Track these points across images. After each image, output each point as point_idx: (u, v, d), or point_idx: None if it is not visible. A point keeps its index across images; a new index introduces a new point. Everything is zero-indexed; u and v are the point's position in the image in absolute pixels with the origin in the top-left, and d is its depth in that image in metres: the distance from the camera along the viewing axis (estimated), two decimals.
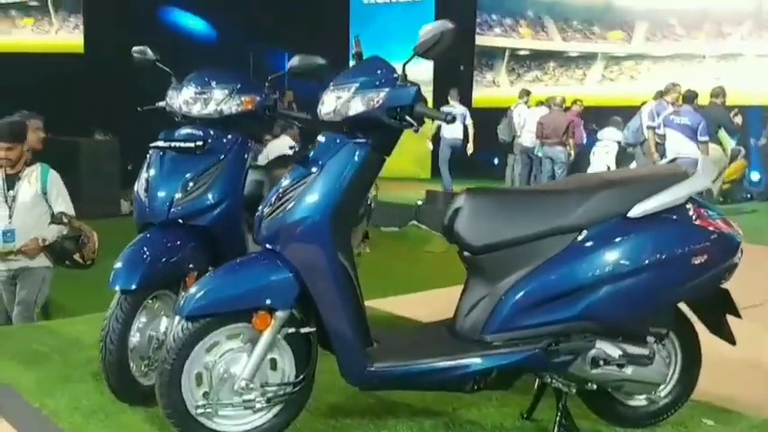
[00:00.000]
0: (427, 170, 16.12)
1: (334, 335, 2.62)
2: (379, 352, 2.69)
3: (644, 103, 11.10)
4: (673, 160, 2.89)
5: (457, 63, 16.15)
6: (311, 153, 2.70)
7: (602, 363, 2.71)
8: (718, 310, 2.98)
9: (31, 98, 10.58)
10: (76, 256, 4.61)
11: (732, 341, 3.00)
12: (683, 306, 2.97)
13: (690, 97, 9.31)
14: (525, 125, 12.19)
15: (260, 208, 2.75)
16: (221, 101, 3.29)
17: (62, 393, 3.19)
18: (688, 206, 2.78)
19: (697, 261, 2.70)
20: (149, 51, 3.57)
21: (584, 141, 12.32)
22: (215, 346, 2.68)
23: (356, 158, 2.62)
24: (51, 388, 3.26)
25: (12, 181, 4.61)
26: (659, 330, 2.80)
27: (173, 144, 3.23)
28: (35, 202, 4.63)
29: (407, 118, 2.58)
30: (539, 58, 16.35)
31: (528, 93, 12.89)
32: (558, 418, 2.80)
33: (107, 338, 2.98)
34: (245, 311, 2.61)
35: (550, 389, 2.85)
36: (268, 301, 2.61)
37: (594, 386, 2.80)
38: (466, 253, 2.79)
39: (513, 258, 2.72)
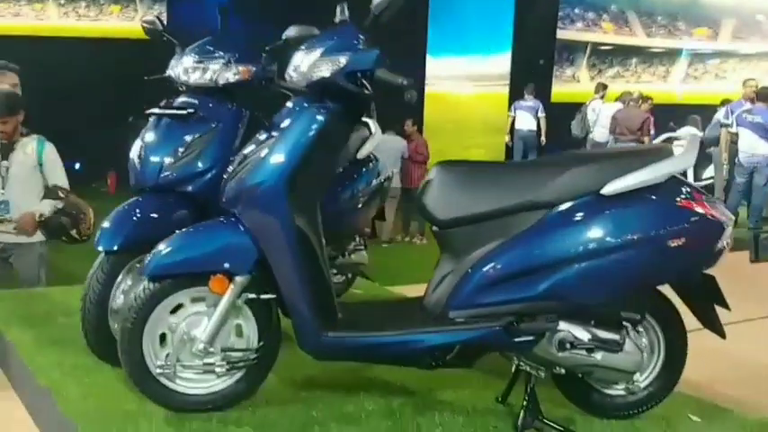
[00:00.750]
0: None
1: (289, 302, 2.61)
2: (337, 322, 2.66)
3: (724, 102, 10.66)
4: (667, 139, 2.74)
5: (536, 57, 15.86)
6: (276, 117, 2.70)
7: (568, 346, 2.61)
8: (706, 300, 2.82)
9: (117, 80, 11.01)
10: (73, 232, 4.54)
11: (722, 334, 2.84)
12: (672, 295, 2.83)
13: (764, 95, 8.86)
14: (598, 120, 11.88)
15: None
16: (218, 70, 3.32)
17: (51, 352, 3.29)
18: (669, 186, 2.64)
19: (674, 244, 2.57)
20: (158, 22, 3.65)
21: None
22: (180, 308, 2.70)
23: (316, 124, 2.60)
24: (44, 347, 3.36)
25: (5, 151, 4.51)
26: (632, 316, 2.66)
27: (166, 111, 3.28)
28: (29, 174, 4.57)
29: (368, 83, 2.53)
30: (621, 54, 15.90)
31: (604, 87, 12.56)
32: (524, 403, 2.71)
33: (86, 299, 3.05)
34: (206, 274, 2.63)
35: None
36: (226, 265, 2.61)
37: (563, 371, 2.70)
38: (435, 228, 2.73)
39: (479, 234, 2.65)
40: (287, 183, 2.56)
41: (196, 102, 3.30)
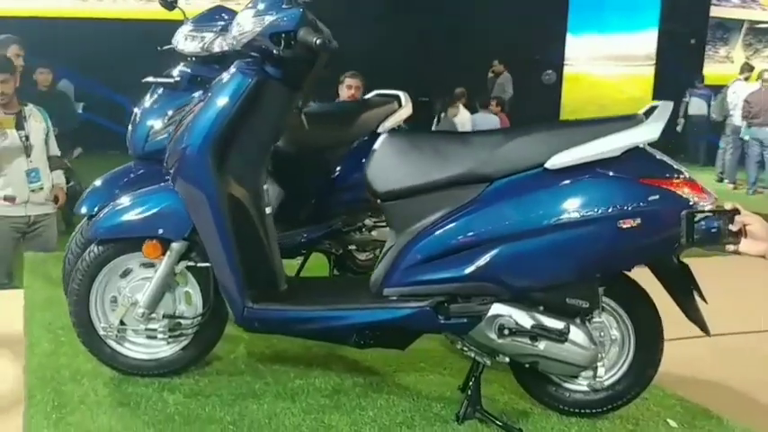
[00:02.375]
0: None
1: (216, 270, 2.56)
2: (265, 294, 2.58)
3: None
4: (651, 109, 2.42)
5: (686, 36, 14.86)
6: (214, 81, 2.65)
7: (507, 332, 2.39)
8: (684, 291, 2.49)
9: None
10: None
11: (705, 329, 2.50)
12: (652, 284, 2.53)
13: None
14: (739, 103, 10.96)
15: None
16: (211, 39, 3.31)
17: (49, 312, 3.41)
18: (629, 160, 2.34)
19: (625, 225, 2.28)
20: None
21: None
22: (129, 273, 2.72)
23: (243, 86, 2.52)
24: (47, 307, 3.50)
25: (18, 121, 4.49)
26: (579, 304, 2.40)
27: (157, 80, 3.32)
28: (43, 143, 4.63)
29: (291, 44, 2.42)
30: None
31: (750, 68, 11.57)
32: (467, 391, 2.52)
33: (66, 261, 3.15)
34: (143, 239, 2.62)
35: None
36: (160, 231, 2.60)
37: (507, 359, 2.48)
38: (378, 200, 2.58)
39: (418, 207, 2.47)
40: (210, 147, 2.50)
41: (188, 70, 3.31)
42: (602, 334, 2.51)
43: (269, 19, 2.45)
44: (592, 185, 2.32)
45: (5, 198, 4.44)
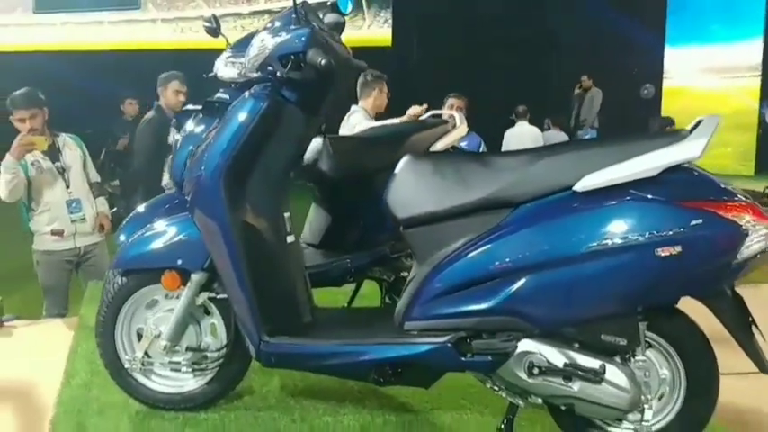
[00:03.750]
0: (750, 166, 14.24)
1: (232, 302, 2.46)
2: (291, 327, 2.46)
3: None
4: (699, 122, 2.17)
5: None
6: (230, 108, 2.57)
7: (537, 371, 2.19)
8: (738, 324, 2.22)
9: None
10: None
11: (762, 366, 2.22)
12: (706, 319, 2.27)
13: None
14: None
15: None
16: (246, 66, 3.25)
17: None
18: (668, 180, 2.11)
19: (664, 253, 2.05)
20: (214, 21, 3.66)
21: None
22: (155, 304, 2.67)
23: (255, 110, 2.44)
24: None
25: (52, 153, 4.39)
26: (616, 341, 2.17)
27: (198, 107, 3.27)
28: (81, 172, 4.58)
29: (301, 65, 2.31)
30: None
31: None
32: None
33: (104, 291, 3.11)
34: (163, 270, 2.56)
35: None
36: (179, 262, 2.53)
37: (539, 400, 2.27)
38: (400, 228, 2.43)
39: (441, 234, 2.31)
40: (223, 174, 2.41)
41: (227, 97, 3.26)
42: (647, 374, 2.26)
43: (278, 40, 2.35)
44: (626, 209, 2.10)
45: (53, 232, 4.47)
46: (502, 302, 2.16)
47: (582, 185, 2.13)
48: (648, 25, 14.40)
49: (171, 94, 5.22)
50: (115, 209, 5.26)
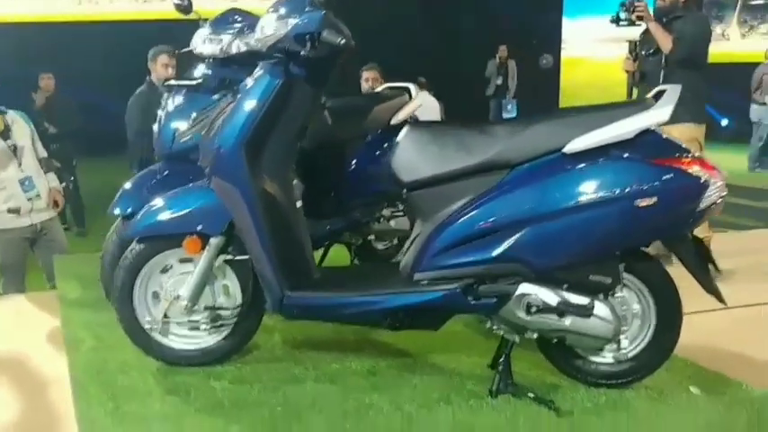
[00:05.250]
0: None
1: (255, 262, 2.70)
2: (302, 282, 2.71)
3: None
4: (658, 93, 2.55)
5: None
6: (242, 83, 2.77)
7: (535, 309, 2.53)
8: (698, 263, 2.63)
9: None
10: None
11: (721, 299, 2.63)
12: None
13: None
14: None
15: None
16: (228, 41, 3.43)
17: (87, 311, 3.57)
18: (641, 142, 2.48)
19: (642, 203, 2.42)
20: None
21: None
22: (169, 269, 2.86)
23: (271, 86, 2.65)
24: (83, 305, 3.66)
25: (3, 132, 4.50)
26: (602, 280, 2.53)
27: (181, 82, 3.44)
28: (32, 149, 4.66)
29: (315, 45, 2.55)
30: None
31: None
32: (498, 367, 2.66)
33: (103, 261, 3.28)
34: (183, 236, 2.76)
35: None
36: (199, 227, 2.74)
37: (535, 335, 2.62)
38: (403, 190, 2.71)
39: (444, 195, 2.61)
40: (243, 146, 2.63)
41: (209, 72, 3.44)
42: (624, 308, 2.64)
43: (293, 21, 2.57)
44: (609, 167, 2.46)
45: (10, 210, 4.51)
46: (504, 252, 2.49)
47: (570, 148, 2.47)
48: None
49: (160, 67, 5.28)
50: (64, 183, 5.30)
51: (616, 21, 5.25)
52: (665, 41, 4.64)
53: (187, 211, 2.76)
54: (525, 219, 2.47)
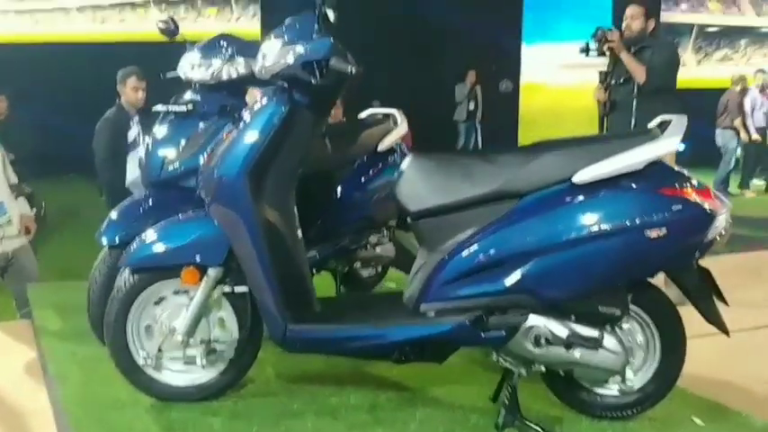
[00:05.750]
0: None
1: (256, 294, 2.63)
2: (305, 315, 2.65)
3: None
4: (662, 123, 2.57)
5: None
6: (245, 110, 2.72)
7: (544, 342, 2.50)
8: (704, 294, 2.63)
9: None
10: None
11: (724, 330, 2.64)
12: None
13: None
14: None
15: None
16: (219, 67, 3.37)
17: (70, 342, 3.44)
18: (650, 172, 2.48)
19: (652, 234, 2.41)
20: (172, 22, 3.74)
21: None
22: (163, 301, 2.77)
23: (275, 116, 2.60)
24: (66, 336, 3.54)
25: None
26: (611, 311, 2.52)
27: (169, 108, 3.37)
28: (2, 173, 4.50)
29: (323, 72, 2.50)
30: (729, 36, 15.04)
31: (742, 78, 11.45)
32: (504, 401, 2.62)
33: (90, 291, 3.17)
34: (180, 267, 2.67)
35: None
36: (197, 258, 2.66)
37: (542, 368, 2.59)
38: (408, 219, 2.67)
39: (450, 225, 2.58)
40: (247, 175, 2.57)
41: (198, 98, 3.37)
42: (629, 339, 2.63)
43: (300, 49, 2.53)
44: (619, 198, 2.45)
45: None
46: (514, 283, 2.46)
47: (580, 177, 2.46)
48: (506, 24, 15.19)
49: (130, 90, 5.15)
50: (35, 209, 5.15)
51: (585, 51, 5.32)
52: (639, 72, 4.70)
53: (185, 241, 2.68)
54: (535, 249, 2.45)
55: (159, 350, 2.75)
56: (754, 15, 14.82)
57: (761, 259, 5.86)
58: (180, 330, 2.70)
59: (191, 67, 3.44)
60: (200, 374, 2.81)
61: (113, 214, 3.27)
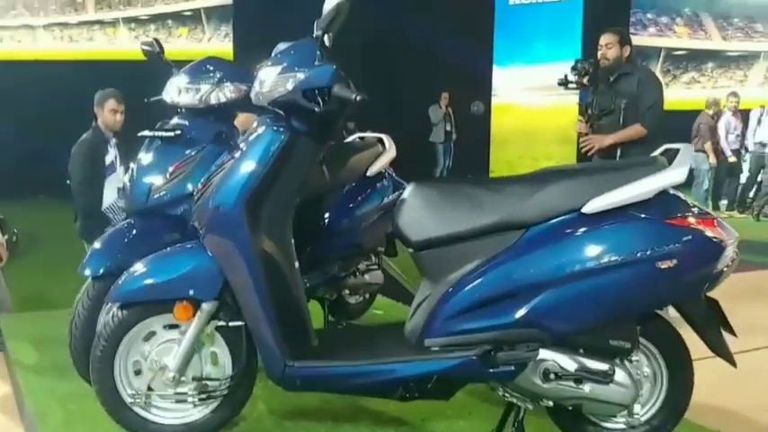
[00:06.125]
0: None
1: (253, 329, 2.52)
2: (305, 351, 2.54)
3: None
4: (665, 151, 2.53)
5: None
6: (241, 138, 2.62)
7: (553, 377, 2.42)
8: (711, 325, 2.58)
9: None
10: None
11: (731, 361, 2.59)
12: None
13: None
14: None
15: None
16: (208, 91, 3.27)
17: (48, 376, 3.31)
18: (660, 202, 2.42)
19: (664, 266, 2.35)
20: (156, 44, 3.64)
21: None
22: (152, 336, 2.64)
23: (275, 144, 2.50)
24: (43, 370, 3.39)
25: None
26: (622, 345, 2.45)
27: (156, 133, 3.25)
28: None
29: (324, 100, 2.42)
30: (696, 59, 15.27)
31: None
32: None
33: (73, 324, 3.03)
34: (172, 301, 2.56)
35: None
36: (191, 292, 2.54)
37: (551, 403, 2.51)
38: (409, 250, 2.58)
39: (455, 256, 2.49)
40: (244, 205, 2.47)
41: (186, 123, 3.27)
42: (637, 372, 2.56)
43: (301, 76, 2.44)
44: (629, 229, 2.39)
45: None
46: (523, 316, 2.38)
47: (589, 208, 2.39)
48: (477, 46, 15.25)
49: (108, 113, 4.99)
50: (6, 236, 4.98)
51: (564, 83, 5.31)
52: (637, 133, 4.67)
53: (177, 274, 2.56)
54: (545, 281, 2.37)
55: (149, 388, 2.62)
56: (721, 39, 15.07)
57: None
58: (171, 368, 2.57)
59: (178, 91, 3.33)
60: (191, 413, 2.68)
61: (96, 244, 3.14)
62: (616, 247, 2.36)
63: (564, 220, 2.42)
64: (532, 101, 15.54)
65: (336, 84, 2.41)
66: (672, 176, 2.43)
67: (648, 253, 2.35)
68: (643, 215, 2.41)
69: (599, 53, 4.91)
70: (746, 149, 11.41)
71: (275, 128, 2.52)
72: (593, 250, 2.37)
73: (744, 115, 11.15)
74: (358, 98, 2.38)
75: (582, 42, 14.92)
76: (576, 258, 2.37)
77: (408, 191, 2.57)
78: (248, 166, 2.50)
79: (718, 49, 15.11)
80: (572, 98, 15.03)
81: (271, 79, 2.50)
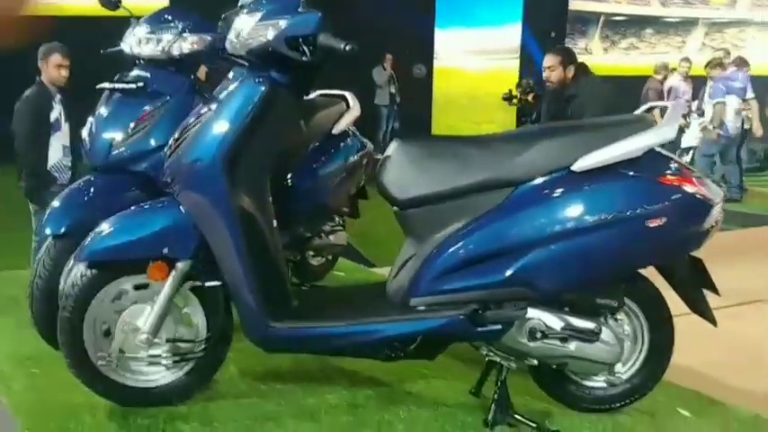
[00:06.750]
0: None
1: (233, 289, 2.42)
2: (287, 311, 2.46)
3: None
4: (649, 109, 2.52)
5: (547, 29, 15.46)
6: (217, 89, 2.49)
7: (539, 335, 2.40)
8: (694, 284, 2.59)
9: None
10: None
11: (712, 321, 2.61)
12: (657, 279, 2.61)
13: None
14: None
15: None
16: (170, 41, 3.10)
17: (8, 340, 3.16)
18: (649, 161, 2.40)
19: (652, 224, 2.34)
20: None
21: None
22: (122, 296, 2.52)
23: (255, 96, 2.38)
24: (2, 334, 3.20)
25: None
26: (609, 303, 2.44)
27: (117, 85, 3.08)
28: None
29: (310, 49, 2.31)
30: (635, 25, 15.39)
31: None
32: (494, 396, 2.50)
33: (34, 285, 2.87)
34: (145, 260, 2.44)
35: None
36: (165, 251, 2.42)
37: (535, 362, 2.49)
38: (395, 208, 2.51)
39: (442, 214, 2.43)
40: (224, 160, 2.35)
41: (148, 75, 3.10)
42: (618, 330, 2.56)
43: (284, 24, 2.32)
44: (619, 187, 2.37)
45: None
46: (512, 275, 2.34)
47: (579, 166, 2.36)
48: (419, 9, 15.13)
49: (52, 68, 4.71)
50: None
51: (509, 99, 5.44)
52: None
53: (150, 232, 2.43)
54: (534, 240, 2.34)
55: (120, 351, 2.50)
56: (660, 6, 15.25)
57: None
58: (144, 329, 2.46)
59: (138, 41, 3.15)
60: (164, 375, 2.58)
61: (55, 203, 2.97)
62: (605, 205, 2.33)
63: (553, 178, 2.38)
64: (474, 65, 15.58)
65: (322, 32, 2.30)
66: (662, 134, 2.41)
67: (638, 211, 2.33)
68: (632, 173, 2.38)
69: (543, 74, 4.87)
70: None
71: (255, 79, 2.40)
72: (582, 208, 2.34)
73: (695, 82, 11.27)
74: (347, 47, 2.27)
75: (523, 7, 15.00)
76: (565, 216, 2.34)
77: (393, 148, 2.49)
78: (226, 119, 2.37)
79: (658, 15, 15.29)
80: (513, 63, 15.18)
81: (249, 27, 2.37)
